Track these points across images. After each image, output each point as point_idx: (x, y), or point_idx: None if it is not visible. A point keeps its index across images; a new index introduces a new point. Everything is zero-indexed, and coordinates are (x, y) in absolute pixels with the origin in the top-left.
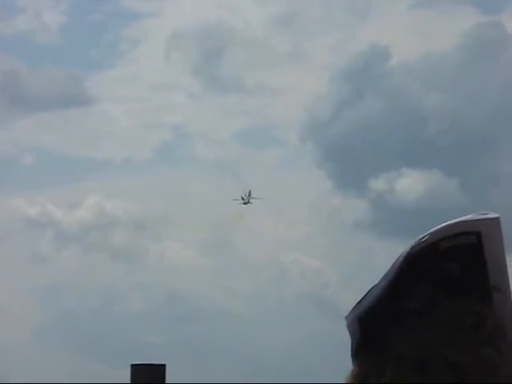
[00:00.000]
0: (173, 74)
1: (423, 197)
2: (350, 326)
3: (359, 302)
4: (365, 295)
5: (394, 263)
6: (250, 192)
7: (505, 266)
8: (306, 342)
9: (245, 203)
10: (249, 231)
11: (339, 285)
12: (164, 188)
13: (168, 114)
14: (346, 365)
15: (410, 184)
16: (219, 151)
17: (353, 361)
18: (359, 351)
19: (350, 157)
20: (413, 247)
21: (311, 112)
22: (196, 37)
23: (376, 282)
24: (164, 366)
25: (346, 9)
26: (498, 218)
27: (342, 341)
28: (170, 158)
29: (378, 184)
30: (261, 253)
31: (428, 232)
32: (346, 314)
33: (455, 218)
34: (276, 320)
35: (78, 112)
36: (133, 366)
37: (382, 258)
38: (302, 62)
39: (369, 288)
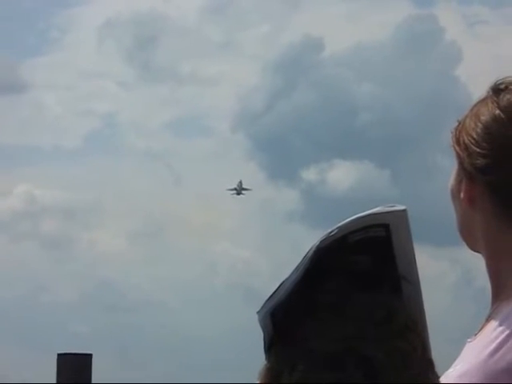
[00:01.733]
0: (105, 62)
1: (354, 188)
2: (262, 321)
3: (271, 297)
4: (276, 289)
5: (304, 257)
6: (241, 182)
7: (413, 258)
8: (236, 332)
9: (238, 193)
10: (179, 221)
11: (269, 275)
12: (94, 177)
13: (99, 102)
14: None
15: (342, 175)
16: (150, 140)
17: (266, 356)
18: (272, 346)
19: (282, 148)
20: (322, 241)
21: (243, 102)
22: (129, 25)
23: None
24: (90, 355)
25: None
26: (405, 211)
27: None
28: (101, 147)
29: (309, 175)
30: (191, 243)
31: (337, 226)
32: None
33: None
34: (205, 310)
35: (9, 99)
36: (59, 355)
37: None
38: (234, 52)
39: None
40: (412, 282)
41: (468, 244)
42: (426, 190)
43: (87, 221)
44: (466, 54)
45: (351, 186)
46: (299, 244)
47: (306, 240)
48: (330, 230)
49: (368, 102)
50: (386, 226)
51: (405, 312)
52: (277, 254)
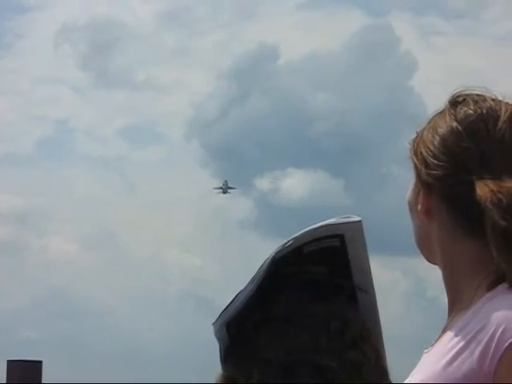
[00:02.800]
0: (60, 67)
1: (308, 197)
2: (217, 333)
3: (226, 308)
4: (232, 301)
5: (259, 268)
6: (226, 182)
7: (368, 268)
8: (187, 340)
9: (224, 192)
10: (132, 227)
11: (221, 284)
12: (47, 183)
13: (52, 109)
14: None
15: (295, 184)
16: (103, 147)
17: (222, 366)
18: (228, 356)
19: (236, 156)
20: (277, 252)
21: (197, 110)
22: (85, 31)
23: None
24: (40, 362)
25: (233, 7)
26: (360, 222)
27: None
28: (53, 153)
29: (263, 183)
30: (143, 250)
31: (292, 237)
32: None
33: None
34: (156, 318)
35: None
36: (9, 361)
37: (265, 256)
38: (189, 60)
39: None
40: (367, 292)
41: (425, 255)
42: (380, 200)
43: (39, 227)
44: (420, 64)
45: (305, 195)
46: (252, 252)
47: (259, 248)
48: (285, 242)
49: (322, 110)
50: (341, 237)
51: (359, 322)
52: (229, 262)
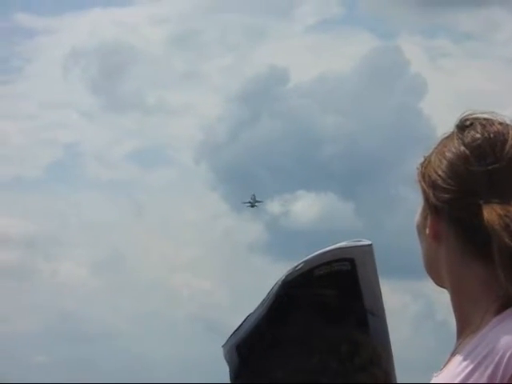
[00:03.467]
0: (69, 91)
1: (318, 220)
2: (227, 355)
3: (236, 330)
4: (242, 323)
5: (269, 291)
6: (254, 195)
7: (379, 291)
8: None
9: (252, 206)
10: (142, 251)
11: (230, 307)
12: (56, 207)
13: (62, 132)
14: None
15: (306, 207)
16: (113, 171)
17: None
18: (237, 378)
19: (246, 179)
20: (288, 275)
21: (207, 133)
22: (94, 55)
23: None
24: None
25: (242, 30)
26: (370, 245)
27: None
28: (62, 177)
29: (273, 206)
30: (152, 273)
31: (303, 260)
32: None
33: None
34: (165, 341)
35: None
36: None
37: (275, 280)
38: (199, 83)
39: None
40: (378, 316)
41: (433, 279)
42: (389, 223)
43: (49, 251)
44: (430, 87)
45: (315, 218)
46: (261, 275)
47: (269, 271)
48: (295, 265)
49: (332, 133)
50: (352, 261)
51: (370, 346)
52: (238, 285)
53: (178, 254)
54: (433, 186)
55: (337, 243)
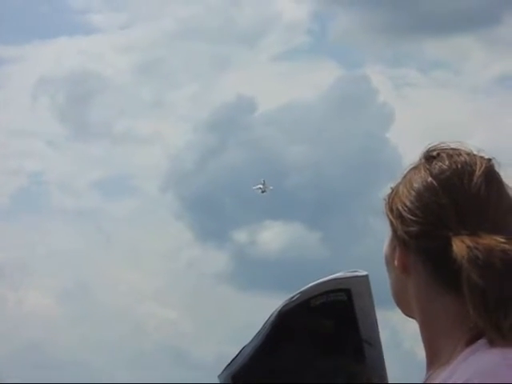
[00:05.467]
0: (36, 120)
1: (285, 249)
2: None
3: (232, 361)
4: (238, 354)
5: (266, 321)
6: (264, 181)
7: (375, 321)
8: None
9: (262, 191)
10: (108, 280)
11: (196, 336)
12: (22, 235)
13: (28, 161)
14: None
15: (272, 236)
16: (78, 199)
17: None
18: None
19: (212, 208)
20: (285, 305)
21: (173, 162)
22: (61, 83)
23: (235, 333)
24: None
25: (207, 59)
26: (366, 276)
27: None
28: (28, 206)
29: (239, 236)
30: (118, 302)
31: (299, 290)
32: (219, 373)
33: (316, 271)
34: (132, 370)
35: None
36: None
37: (241, 309)
38: (166, 112)
39: (227, 339)
40: (374, 346)
41: (402, 310)
42: (357, 252)
43: (15, 280)
44: (397, 116)
45: (282, 247)
46: (227, 305)
47: (235, 301)
48: (292, 295)
49: (299, 162)
50: (348, 291)
51: (365, 377)
52: (204, 315)
53: (144, 284)
54: (400, 217)
55: (304, 273)
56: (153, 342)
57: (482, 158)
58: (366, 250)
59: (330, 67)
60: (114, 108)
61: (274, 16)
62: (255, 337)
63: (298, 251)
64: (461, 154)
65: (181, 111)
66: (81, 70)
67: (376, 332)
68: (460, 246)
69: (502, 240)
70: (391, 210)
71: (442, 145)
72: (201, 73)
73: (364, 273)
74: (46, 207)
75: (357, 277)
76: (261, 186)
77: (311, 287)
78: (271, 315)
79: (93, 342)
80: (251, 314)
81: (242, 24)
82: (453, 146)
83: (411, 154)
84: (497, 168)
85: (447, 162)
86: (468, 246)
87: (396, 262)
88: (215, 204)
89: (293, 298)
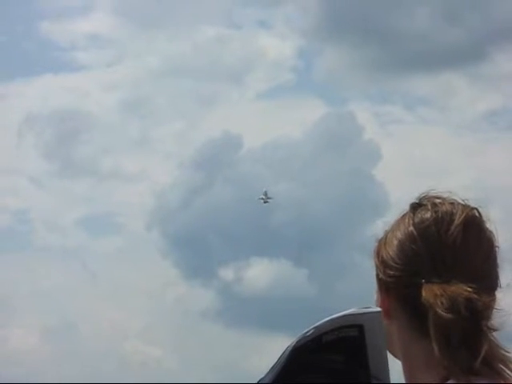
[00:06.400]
0: (22, 157)
1: (271, 286)
2: None
3: None
4: None
5: (280, 356)
6: (266, 192)
7: (385, 358)
8: None
9: (265, 202)
10: (93, 318)
11: (182, 374)
12: (5, 274)
13: (12, 199)
14: None
15: (259, 273)
16: (63, 237)
17: None
18: None
19: (198, 245)
20: (298, 341)
21: (159, 199)
22: (47, 121)
23: (221, 370)
24: None
25: (193, 96)
26: (379, 312)
27: None
28: (12, 244)
29: (226, 273)
30: (103, 340)
31: (312, 326)
32: None
33: (302, 308)
34: None
35: None
36: None
37: (227, 346)
38: (152, 149)
39: (212, 377)
40: (383, 381)
41: (390, 352)
42: (343, 289)
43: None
44: (382, 153)
45: (268, 285)
46: (213, 343)
47: (221, 338)
48: (306, 331)
49: (285, 199)
50: (360, 327)
51: None
52: (189, 352)
53: (129, 321)
54: (383, 263)
55: (290, 310)
56: (138, 380)
57: (464, 206)
58: (352, 288)
59: (315, 104)
60: (99, 145)
61: (259, 53)
62: (269, 372)
63: (284, 288)
64: (444, 204)
65: (167, 148)
66: (66, 108)
67: (386, 368)
68: (428, 293)
69: (469, 289)
70: (378, 255)
71: (431, 193)
72: (187, 110)
73: (377, 309)
74: (31, 245)
75: (370, 313)
76: (263, 197)
77: (324, 323)
78: (285, 350)
79: (78, 380)
80: (237, 352)
81: (227, 61)
82: (444, 194)
83: (397, 192)
84: (483, 214)
85: (430, 211)
86: (435, 294)
87: (379, 307)
88: (201, 241)
89: (306, 333)
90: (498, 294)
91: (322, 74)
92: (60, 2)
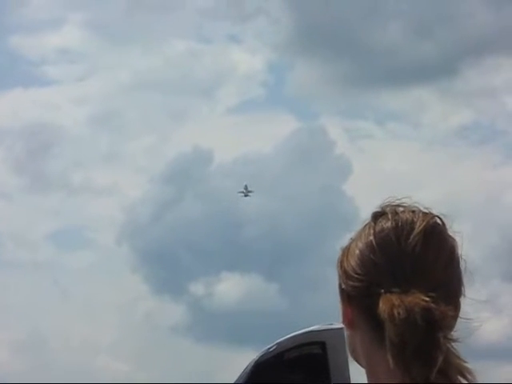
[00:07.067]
0: None
1: (242, 301)
2: None
3: None
4: None
5: (242, 371)
6: (246, 186)
7: (348, 375)
8: None
9: (245, 195)
10: (62, 333)
11: None
12: None
13: None
14: None
15: (229, 288)
16: (32, 252)
17: None
18: None
19: (168, 260)
20: (261, 356)
21: (129, 214)
22: (17, 135)
23: None
24: None
25: (163, 111)
26: (342, 329)
27: None
28: None
29: (196, 288)
30: (72, 355)
31: (276, 342)
32: None
33: (274, 323)
34: None
35: None
36: None
37: (197, 361)
38: (123, 163)
39: None
40: None
41: (354, 360)
42: (314, 304)
43: None
44: (353, 168)
45: (239, 299)
46: (183, 358)
47: (191, 353)
48: (269, 346)
49: (255, 214)
50: (322, 344)
51: None
52: (159, 367)
53: (99, 336)
54: (345, 273)
55: (262, 325)
56: None
57: (425, 215)
58: (323, 302)
59: (286, 119)
60: (70, 159)
61: (229, 68)
62: None
63: (255, 303)
64: (405, 212)
65: (137, 163)
66: (37, 122)
67: None
68: (385, 304)
69: (427, 298)
70: (341, 265)
71: (393, 201)
72: (157, 124)
73: (339, 325)
74: (0, 259)
75: (332, 330)
76: (243, 191)
77: (287, 339)
78: (248, 365)
79: None
80: (207, 366)
81: (198, 76)
82: (405, 202)
83: (368, 206)
84: (446, 223)
85: (390, 220)
86: (392, 304)
87: (342, 319)
88: (171, 256)
89: (269, 348)
90: (467, 306)
91: (293, 89)
92: (30, 16)
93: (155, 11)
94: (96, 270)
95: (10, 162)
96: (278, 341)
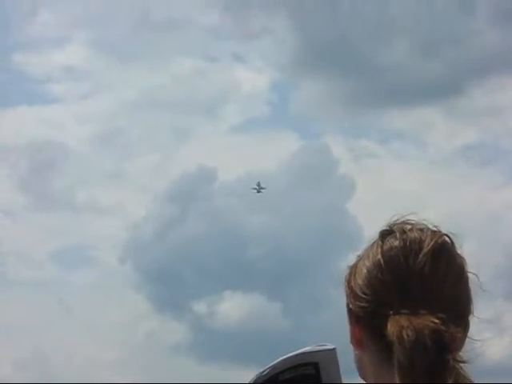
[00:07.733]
0: None
1: (245, 320)
2: None
3: None
4: None
5: None
6: (259, 182)
7: None
8: None
9: (258, 191)
10: (65, 351)
11: None
12: None
13: None
14: None
15: (232, 307)
16: (36, 270)
17: None
18: None
19: (172, 279)
20: (255, 380)
21: (133, 233)
22: (22, 152)
23: None
24: None
25: (167, 130)
26: (334, 349)
27: None
28: None
29: (199, 307)
30: (75, 374)
31: (269, 365)
32: None
33: (276, 342)
34: None
35: None
36: None
37: (199, 380)
38: (127, 182)
39: None
40: None
41: (362, 378)
42: (317, 323)
43: None
44: (357, 187)
45: (242, 318)
46: (185, 377)
47: (193, 373)
48: (262, 370)
49: (259, 233)
50: (315, 365)
51: None
52: None
53: (101, 355)
54: (353, 293)
55: (264, 344)
56: None
57: (434, 233)
58: (326, 321)
59: (290, 137)
60: (74, 178)
61: (234, 86)
62: None
63: (257, 322)
64: (413, 231)
65: (141, 181)
66: (41, 140)
67: None
68: (394, 326)
69: (436, 320)
70: (348, 284)
71: (401, 219)
72: (162, 143)
73: (332, 346)
74: (4, 278)
75: (325, 350)
76: (256, 187)
77: (280, 361)
78: None
79: None
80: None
81: (203, 94)
82: (413, 220)
83: (371, 225)
84: (454, 241)
85: (398, 239)
86: (401, 326)
87: (350, 338)
88: (174, 275)
89: (263, 372)
90: (472, 325)
91: (297, 108)
92: (35, 34)
93: (161, 30)
94: (99, 288)
95: (15, 179)
96: (271, 364)
